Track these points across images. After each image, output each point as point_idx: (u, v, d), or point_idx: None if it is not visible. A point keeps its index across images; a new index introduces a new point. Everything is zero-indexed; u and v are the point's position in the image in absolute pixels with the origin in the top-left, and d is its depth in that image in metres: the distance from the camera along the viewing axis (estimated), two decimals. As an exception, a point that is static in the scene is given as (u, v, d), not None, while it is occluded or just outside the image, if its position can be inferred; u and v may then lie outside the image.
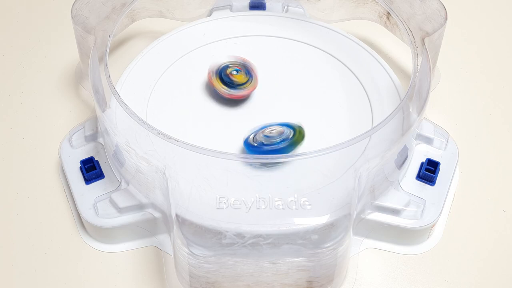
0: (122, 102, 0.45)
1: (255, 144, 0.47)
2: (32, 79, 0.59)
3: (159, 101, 0.52)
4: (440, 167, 0.49)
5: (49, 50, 0.61)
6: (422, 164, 0.49)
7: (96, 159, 0.49)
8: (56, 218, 0.49)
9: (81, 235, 0.48)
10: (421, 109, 0.46)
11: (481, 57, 0.61)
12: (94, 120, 0.51)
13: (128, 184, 0.47)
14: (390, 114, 0.44)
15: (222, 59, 0.52)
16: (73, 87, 0.58)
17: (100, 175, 0.48)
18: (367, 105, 0.51)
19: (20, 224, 0.49)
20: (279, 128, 0.47)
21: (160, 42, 0.56)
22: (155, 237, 0.48)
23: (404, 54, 0.59)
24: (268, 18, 0.59)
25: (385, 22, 0.57)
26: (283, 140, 0.46)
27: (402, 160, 0.47)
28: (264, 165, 0.46)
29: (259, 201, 0.43)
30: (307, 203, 0.43)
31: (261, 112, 0.51)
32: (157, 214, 0.46)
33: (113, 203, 0.46)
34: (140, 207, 0.46)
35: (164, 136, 0.43)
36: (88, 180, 0.48)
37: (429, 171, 0.48)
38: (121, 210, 0.46)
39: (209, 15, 0.59)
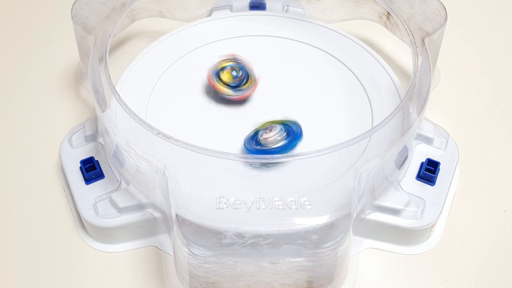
0: (122, 102, 0.45)
1: (255, 146, 0.47)
2: (32, 79, 0.59)
3: (159, 101, 0.52)
4: (440, 167, 0.49)
5: (49, 50, 0.61)
6: (422, 164, 0.49)
7: (96, 159, 0.49)
8: (56, 218, 0.49)
9: (81, 235, 0.48)
10: (421, 109, 0.46)
11: (481, 57, 0.61)
12: (94, 120, 0.51)
13: (128, 184, 0.47)
14: (390, 114, 0.44)
15: (220, 59, 0.52)
16: (73, 87, 0.58)
17: (100, 175, 0.48)
18: (367, 105, 0.51)
19: (20, 224, 0.49)
20: (277, 129, 0.47)
21: (160, 42, 0.56)
22: (155, 237, 0.48)
23: (404, 54, 0.59)
24: (268, 18, 0.59)
25: (385, 22, 0.57)
26: (283, 139, 0.47)
27: (402, 160, 0.47)
28: (264, 165, 0.46)
29: (259, 201, 0.43)
30: (307, 203, 0.43)
31: (261, 112, 0.51)
32: (157, 214, 0.46)
33: (113, 203, 0.46)
34: (140, 207, 0.46)
35: (164, 136, 0.43)
36: (88, 180, 0.48)
37: (429, 171, 0.48)
38: (121, 210, 0.46)
39: (209, 15, 0.59)
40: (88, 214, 0.47)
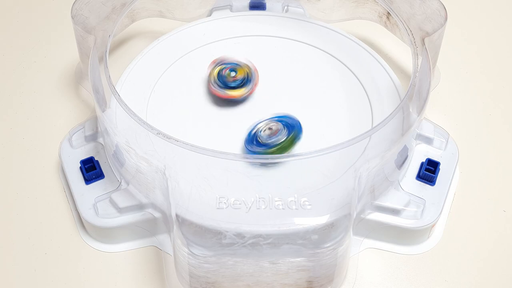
0: (122, 102, 0.45)
1: (255, 145, 0.47)
2: (32, 79, 0.59)
3: (159, 101, 0.52)
4: (440, 167, 0.49)
5: (49, 50, 0.61)
6: (422, 164, 0.49)
7: (96, 159, 0.49)
8: (56, 218, 0.49)
9: (81, 235, 0.48)
10: (421, 109, 0.46)
11: (481, 57, 0.61)
12: (94, 120, 0.51)
13: (128, 184, 0.47)
14: (390, 114, 0.44)
15: (227, 57, 0.52)
16: (73, 87, 0.58)
17: (100, 175, 0.48)
18: (367, 105, 0.51)
19: (20, 224, 0.49)
20: (276, 126, 0.47)
21: (160, 42, 0.56)
22: (155, 237, 0.48)
23: (404, 54, 0.59)
24: (268, 18, 0.59)
25: (385, 22, 0.57)
26: (284, 137, 0.47)
27: (402, 160, 0.47)
28: (264, 165, 0.46)
29: (259, 201, 0.43)
30: (307, 203, 0.43)
31: (261, 112, 0.51)
32: (157, 214, 0.46)
33: (113, 203, 0.46)
34: (140, 207, 0.46)
35: (164, 136, 0.43)
36: (88, 180, 0.48)
37: (429, 171, 0.48)
38: (121, 210, 0.46)
39: (209, 15, 0.59)
40: (88, 214, 0.47)
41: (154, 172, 0.44)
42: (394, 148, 0.44)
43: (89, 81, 0.48)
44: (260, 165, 0.46)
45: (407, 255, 0.48)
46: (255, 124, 0.48)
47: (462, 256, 0.48)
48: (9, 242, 0.48)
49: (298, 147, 0.48)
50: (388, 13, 0.55)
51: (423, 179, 0.48)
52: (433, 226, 0.47)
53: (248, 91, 0.51)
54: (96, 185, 0.48)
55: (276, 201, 0.43)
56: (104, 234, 0.47)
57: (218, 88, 0.51)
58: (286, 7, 0.60)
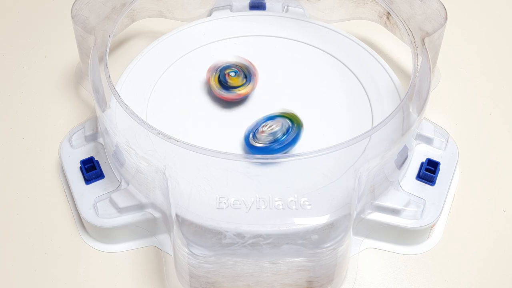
0: (122, 102, 0.45)
1: (257, 144, 0.47)
2: (32, 79, 0.59)
3: (159, 101, 0.52)
4: (440, 167, 0.49)
5: (49, 50, 0.61)
6: (422, 164, 0.49)
7: (96, 159, 0.49)
8: (56, 218, 0.49)
9: (81, 235, 0.48)
10: (421, 109, 0.46)
11: (481, 57, 0.61)
12: (94, 120, 0.51)
13: (128, 184, 0.47)
14: (390, 114, 0.44)
15: (224, 59, 0.52)
16: (73, 87, 0.58)
17: (100, 175, 0.48)
18: (367, 105, 0.51)
19: (20, 224, 0.49)
20: (277, 123, 0.47)
21: (160, 42, 0.56)
22: (155, 237, 0.48)
23: (404, 54, 0.59)
24: (268, 18, 0.59)
25: (385, 22, 0.57)
26: (285, 134, 0.47)
27: (402, 160, 0.47)
28: (264, 165, 0.46)
29: (259, 201, 0.43)
30: (307, 203, 0.43)
31: (261, 112, 0.51)
32: (157, 214, 0.46)
33: (113, 203, 0.46)
34: (140, 207, 0.46)
35: (164, 136, 0.43)
36: (88, 180, 0.48)
37: (429, 171, 0.48)
38: (121, 210, 0.46)
39: (209, 15, 0.59)
40: (88, 214, 0.47)
41: (154, 172, 0.44)
42: (394, 148, 0.44)
43: (89, 81, 0.48)
44: (260, 165, 0.46)
45: (407, 255, 0.48)
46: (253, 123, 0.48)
47: (462, 256, 0.48)
48: (9, 242, 0.48)
49: (298, 147, 0.48)
50: (388, 13, 0.55)
51: (423, 179, 0.48)
52: (433, 226, 0.47)
53: (253, 87, 0.51)
54: (96, 185, 0.48)
55: (276, 201, 0.43)
56: (104, 234, 0.47)
57: (224, 91, 0.51)
58: (286, 7, 0.60)
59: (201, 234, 0.41)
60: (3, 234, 0.48)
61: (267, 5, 0.60)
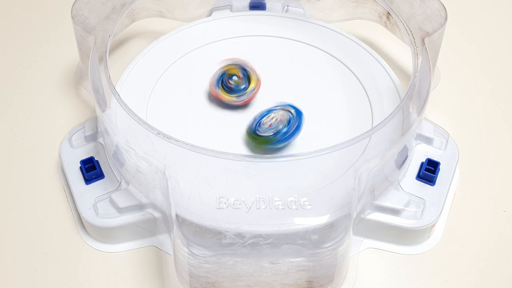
0: (122, 102, 0.45)
1: (262, 134, 0.47)
2: (32, 79, 0.59)
3: (159, 101, 0.52)
4: (440, 167, 0.49)
5: (49, 50, 0.61)
6: (422, 164, 0.49)
7: (96, 159, 0.49)
8: (56, 218, 0.49)
9: (81, 235, 0.48)
10: (421, 109, 0.46)
11: (481, 57, 0.61)
12: (94, 120, 0.51)
13: (128, 184, 0.47)
14: (390, 114, 0.44)
15: (219, 65, 0.52)
16: (73, 87, 0.58)
17: (100, 175, 0.48)
18: (367, 105, 0.51)
19: (20, 224, 0.49)
20: (280, 114, 0.47)
21: (160, 42, 0.56)
22: (155, 237, 0.48)
23: (404, 54, 0.59)
24: (268, 18, 0.59)
25: (385, 22, 0.57)
26: (287, 125, 0.47)
27: (402, 160, 0.47)
28: (264, 165, 0.46)
29: (259, 201, 0.43)
30: (307, 203, 0.43)
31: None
32: (157, 214, 0.46)
33: (113, 203, 0.46)
34: (140, 207, 0.46)
35: (164, 136, 0.43)
36: (88, 180, 0.48)
37: (429, 171, 0.48)
38: (121, 210, 0.46)
39: (209, 15, 0.59)
40: (88, 214, 0.47)
41: (154, 172, 0.44)
42: (394, 148, 0.44)
43: (89, 81, 0.48)
44: (260, 165, 0.46)
45: (407, 255, 0.48)
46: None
47: (462, 256, 0.48)
48: (9, 242, 0.48)
49: (298, 147, 0.48)
50: (388, 13, 0.55)
51: (423, 179, 0.48)
52: (433, 226, 0.47)
53: (253, 94, 0.51)
54: (96, 185, 0.48)
55: (276, 201, 0.43)
56: (104, 234, 0.47)
57: (234, 97, 0.51)
58: (286, 7, 0.60)
59: (201, 234, 0.41)
60: (3, 234, 0.48)
61: (267, 5, 0.60)
